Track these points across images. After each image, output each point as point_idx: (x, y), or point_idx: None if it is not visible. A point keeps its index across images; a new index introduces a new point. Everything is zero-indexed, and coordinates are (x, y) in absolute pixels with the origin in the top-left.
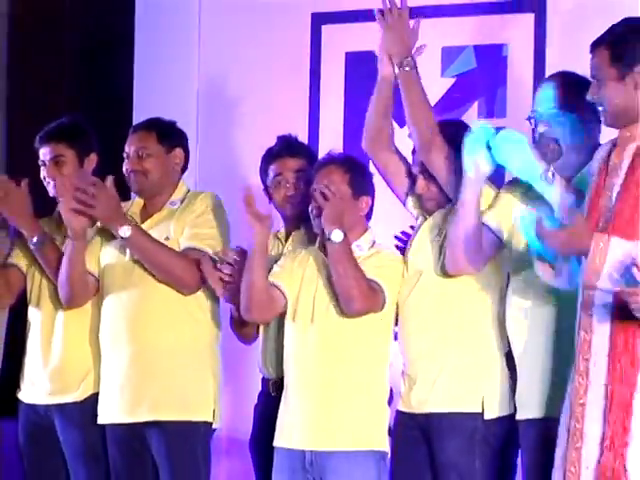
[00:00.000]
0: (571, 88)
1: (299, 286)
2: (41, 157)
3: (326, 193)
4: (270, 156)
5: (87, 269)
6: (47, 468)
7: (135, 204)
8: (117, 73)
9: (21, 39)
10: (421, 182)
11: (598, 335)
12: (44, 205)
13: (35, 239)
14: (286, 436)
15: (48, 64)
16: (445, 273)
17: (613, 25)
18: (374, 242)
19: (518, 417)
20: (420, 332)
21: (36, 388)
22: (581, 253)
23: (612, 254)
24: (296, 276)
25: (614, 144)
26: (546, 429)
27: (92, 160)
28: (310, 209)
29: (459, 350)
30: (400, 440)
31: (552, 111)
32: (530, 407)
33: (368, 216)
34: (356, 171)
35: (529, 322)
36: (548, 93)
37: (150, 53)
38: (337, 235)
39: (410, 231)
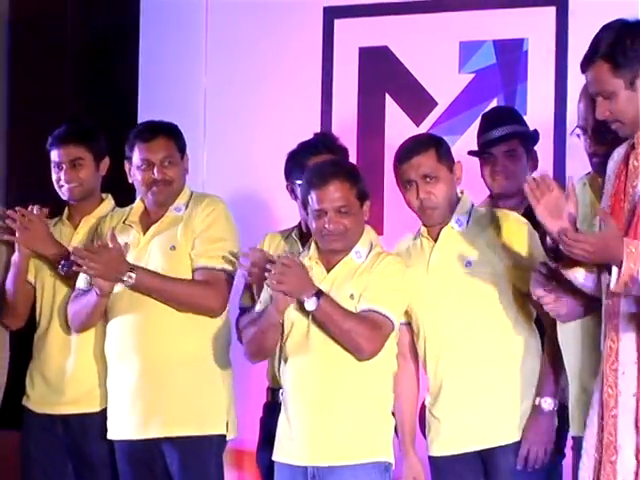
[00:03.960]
0: None
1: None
2: (56, 159)
3: (286, 263)
4: (311, 153)
5: None
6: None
7: (134, 211)
8: (121, 71)
9: (23, 36)
10: None
11: (625, 343)
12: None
13: (62, 263)
14: (287, 451)
15: (50, 61)
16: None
17: (596, 37)
18: (372, 244)
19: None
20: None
21: (49, 397)
22: (611, 260)
23: None
24: None
25: (632, 147)
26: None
27: (105, 164)
28: (319, 227)
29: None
30: None
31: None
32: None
33: None
34: (357, 180)
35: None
36: None
37: (156, 48)
38: (310, 304)
39: None
